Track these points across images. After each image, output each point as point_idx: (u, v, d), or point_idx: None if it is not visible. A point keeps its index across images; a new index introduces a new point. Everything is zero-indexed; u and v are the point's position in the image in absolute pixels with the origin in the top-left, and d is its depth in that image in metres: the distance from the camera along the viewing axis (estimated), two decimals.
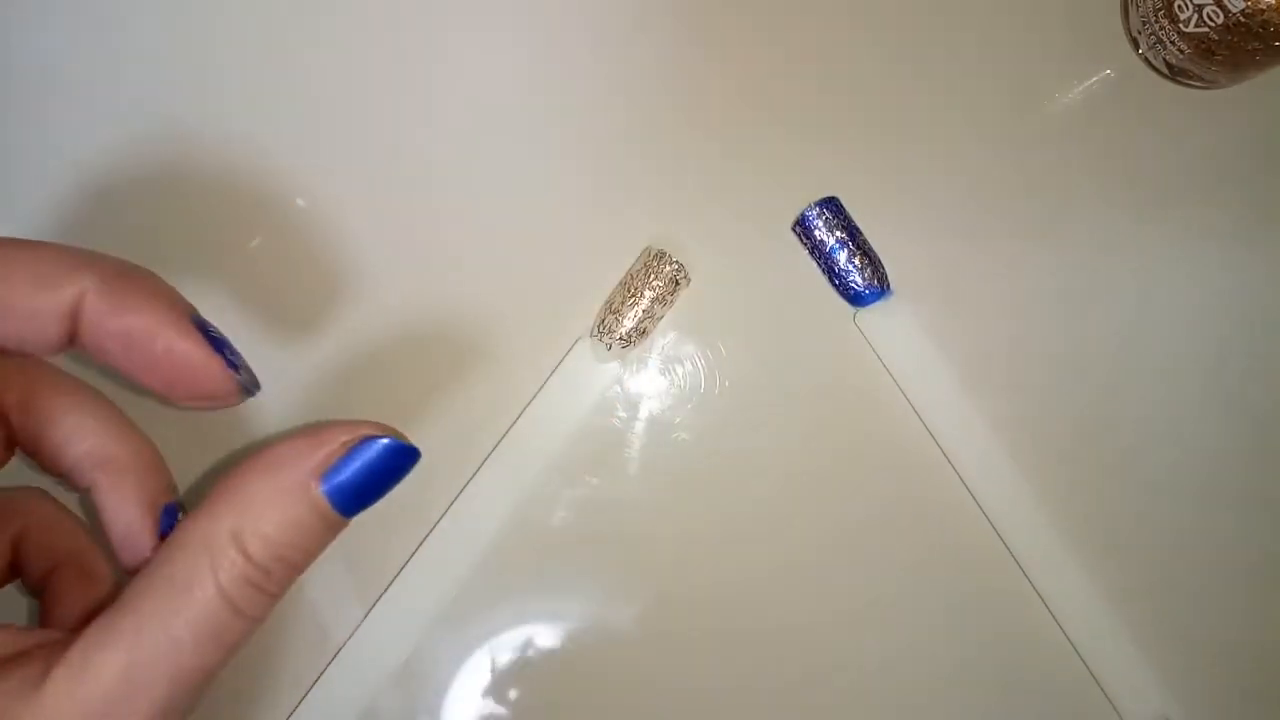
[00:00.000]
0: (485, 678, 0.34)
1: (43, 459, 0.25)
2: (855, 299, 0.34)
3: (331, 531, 0.21)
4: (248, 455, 0.21)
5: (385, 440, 0.21)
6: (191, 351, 0.22)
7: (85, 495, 0.26)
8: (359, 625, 0.34)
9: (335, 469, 0.21)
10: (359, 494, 0.21)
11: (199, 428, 0.34)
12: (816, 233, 0.34)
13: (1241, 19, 0.29)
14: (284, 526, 0.20)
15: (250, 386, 0.23)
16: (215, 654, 0.20)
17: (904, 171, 0.35)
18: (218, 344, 0.22)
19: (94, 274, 0.21)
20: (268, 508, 0.20)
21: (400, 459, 0.21)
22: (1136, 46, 0.35)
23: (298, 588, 0.34)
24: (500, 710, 0.34)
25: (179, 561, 0.20)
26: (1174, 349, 0.35)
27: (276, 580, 0.21)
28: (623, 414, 0.35)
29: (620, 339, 0.33)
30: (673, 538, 0.35)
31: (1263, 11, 0.29)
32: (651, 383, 0.35)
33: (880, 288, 0.34)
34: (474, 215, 0.35)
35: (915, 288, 0.34)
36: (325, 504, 0.21)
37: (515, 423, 0.34)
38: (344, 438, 0.21)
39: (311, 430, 0.21)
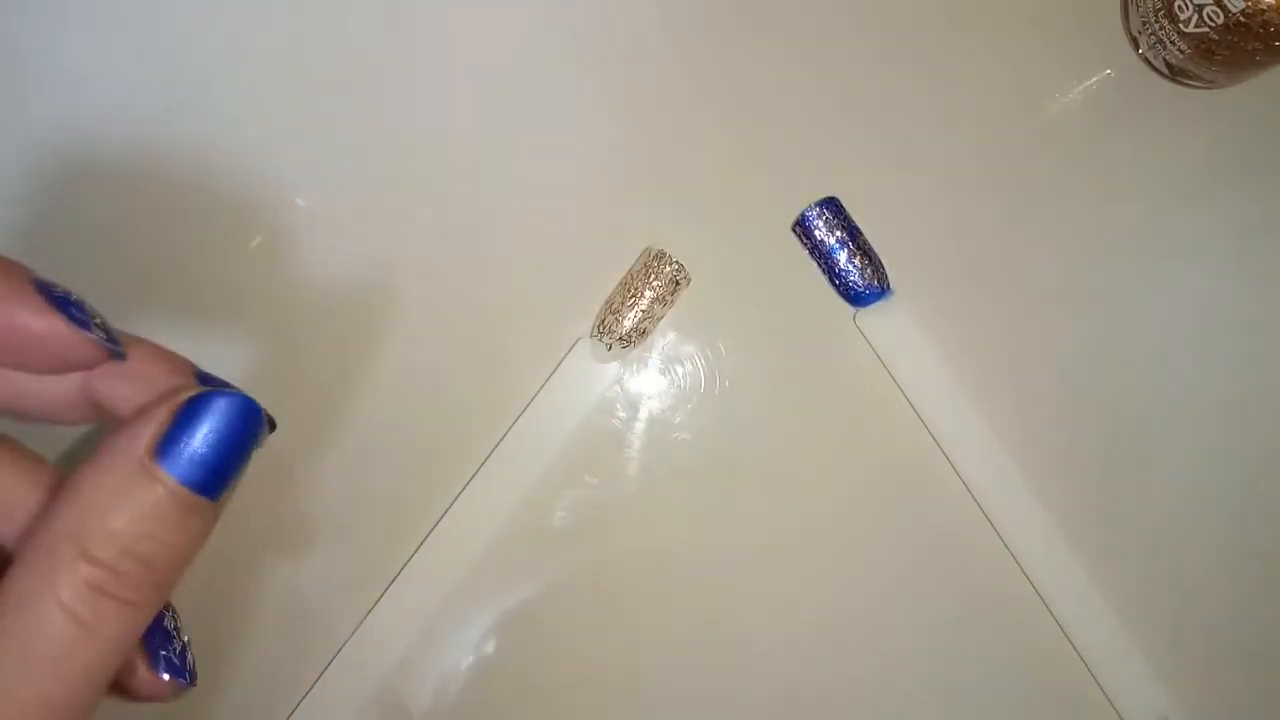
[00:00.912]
0: (485, 677, 0.34)
1: None
2: (855, 299, 0.34)
3: (194, 515, 0.18)
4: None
5: (219, 398, 0.18)
6: (32, 317, 0.18)
7: None
8: (360, 625, 0.34)
9: (170, 439, 0.18)
10: (206, 464, 0.18)
11: None
12: (816, 233, 0.34)
13: (1241, 19, 0.29)
14: (130, 516, 0.17)
15: (110, 345, 0.19)
16: (72, 680, 0.17)
17: (904, 171, 0.35)
18: (62, 303, 0.19)
19: None
20: (109, 498, 0.17)
21: (240, 416, 0.19)
22: (1136, 46, 0.35)
23: (298, 586, 0.34)
24: (499, 708, 0.34)
25: (19, 577, 0.17)
26: (1173, 348, 0.35)
27: (131, 583, 0.18)
28: (623, 414, 0.35)
29: (620, 339, 0.33)
30: (672, 538, 0.35)
31: (1263, 11, 0.29)
32: (651, 383, 0.35)
33: (880, 288, 0.34)
34: (474, 216, 0.35)
35: (915, 288, 0.34)
36: (173, 481, 0.18)
37: (515, 423, 0.34)
38: (168, 404, 0.18)
39: (142, 407, 0.19)
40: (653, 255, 0.33)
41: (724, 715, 0.35)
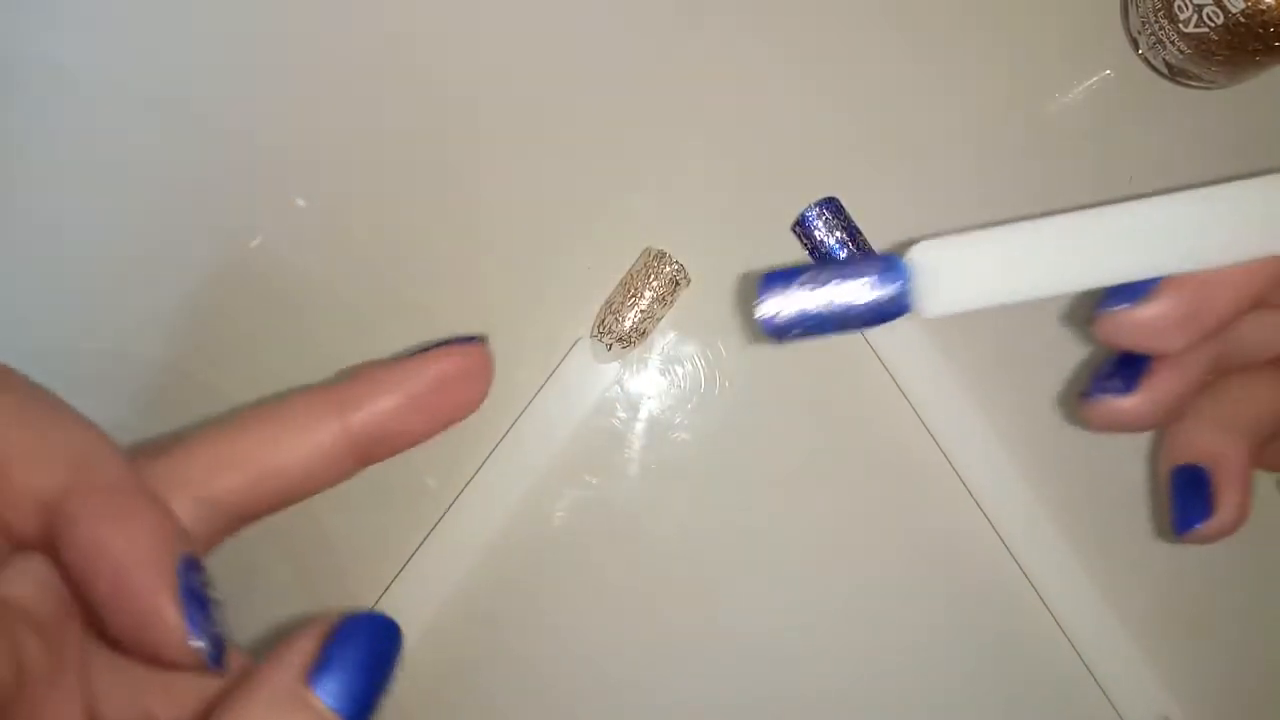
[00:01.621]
0: (485, 677, 0.34)
1: None
2: None
3: None
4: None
5: (364, 621, 0.19)
6: (155, 601, 0.18)
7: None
8: None
9: (320, 666, 0.18)
10: (356, 689, 0.18)
11: None
12: (816, 233, 0.34)
13: (1241, 19, 0.29)
14: None
15: (211, 662, 0.19)
16: None
17: (904, 172, 0.35)
18: (196, 601, 0.18)
19: (83, 476, 0.18)
20: None
21: (383, 638, 0.19)
22: (1136, 46, 0.35)
23: (297, 590, 0.34)
24: (499, 708, 0.34)
25: None
26: None
27: None
28: (623, 414, 0.35)
29: (620, 339, 0.33)
30: (672, 538, 0.35)
31: (1263, 11, 0.29)
32: (651, 383, 0.35)
33: None
34: (474, 215, 0.35)
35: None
36: (325, 708, 0.18)
37: (515, 423, 0.34)
38: (314, 632, 0.19)
39: (286, 639, 0.19)
40: (653, 255, 0.33)
41: (724, 714, 0.35)
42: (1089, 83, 0.35)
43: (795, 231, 0.34)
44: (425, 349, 0.21)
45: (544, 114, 0.35)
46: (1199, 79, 0.34)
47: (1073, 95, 0.35)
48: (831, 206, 0.34)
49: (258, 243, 0.35)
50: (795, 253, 0.35)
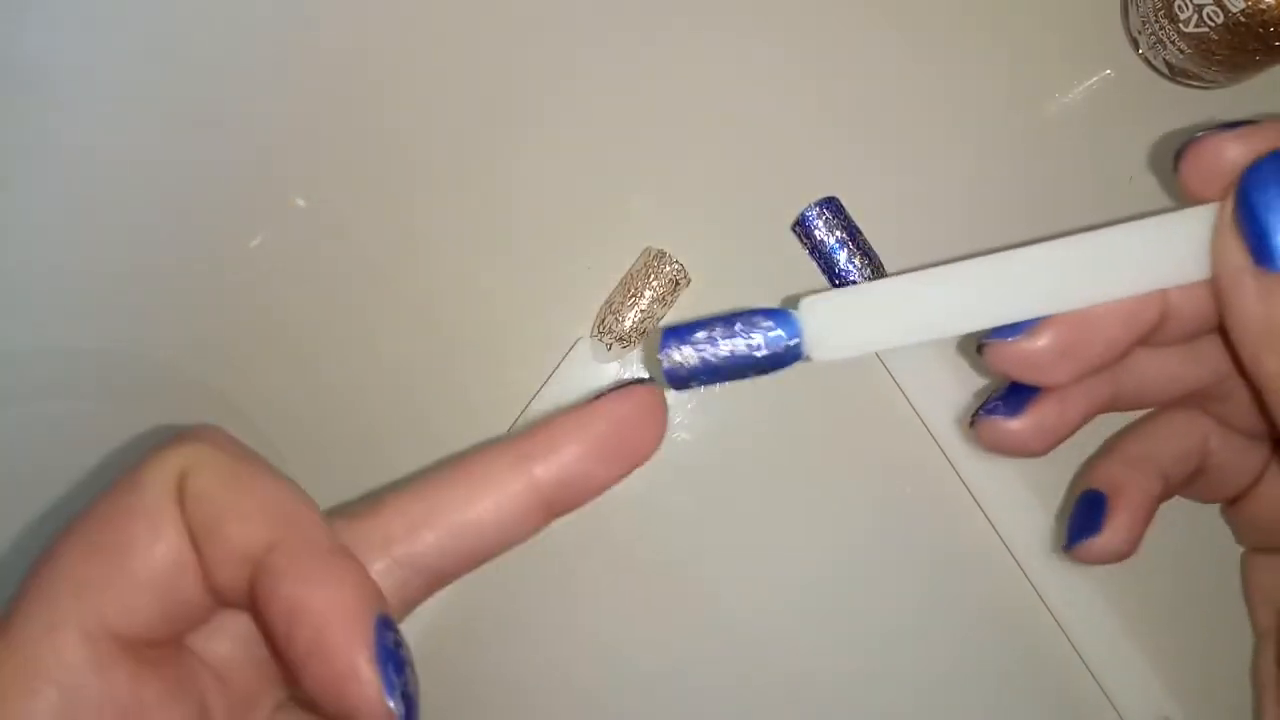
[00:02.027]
0: (484, 677, 0.34)
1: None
2: None
3: None
4: None
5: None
6: (353, 660, 0.18)
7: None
8: None
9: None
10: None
11: None
12: (816, 233, 0.34)
13: (1241, 19, 0.29)
14: None
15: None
16: None
17: (904, 171, 0.35)
18: (392, 661, 0.18)
19: (288, 534, 0.19)
20: None
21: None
22: (1136, 46, 0.35)
23: None
24: (499, 709, 0.34)
25: None
26: None
27: None
28: None
29: (620, 339, 0.33)
30: (672, 538, 0.35)
31: (1263, 11, 0.29)
32: None
33: None
34: (474, 215, 0.35)
35: None
36: None
37: (515, 423, 0.34)
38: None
39: None
40: (653, 255, 0.33)
41: (724, 713, 0.35)
42: (1089, 83, 0.35)
43: (795, 231, 0.34)
44: (599, 394, 0.21)
45: (544, 114, 0.35)
46: (1199, 79, 0.34)
47: (1073, 95, 0.35)
48: (831, 206, 0.34)
49: (258, 243, 0.35)
50: (795, 252, 0.35)
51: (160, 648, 0.19)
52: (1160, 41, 0.33)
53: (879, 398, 0.35)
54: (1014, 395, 0.24)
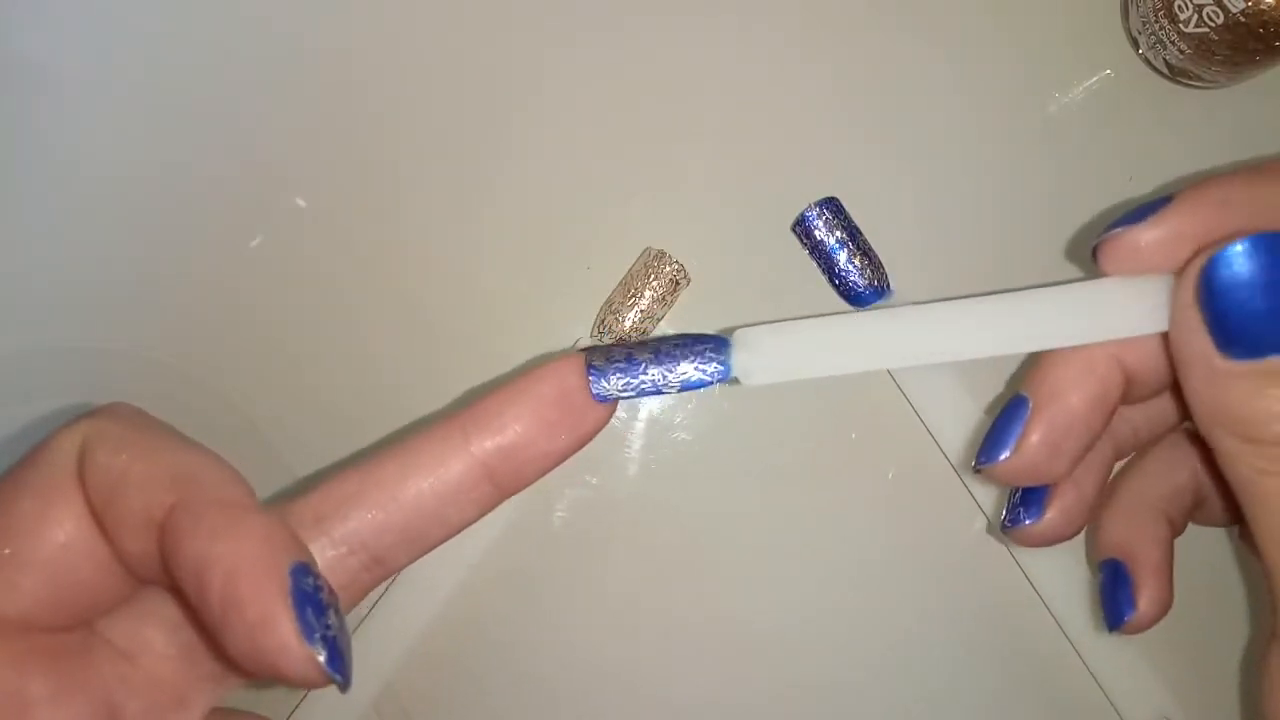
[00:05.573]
0: (484, 677, 0.34)
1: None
2: (855, 299, 0.34)
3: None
4: None
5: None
6: (267, 607, 0.17)
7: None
8: (358, 626, 0.34)
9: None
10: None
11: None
12: (816, 233, 0.34)
13: (1241, 19, 0.29)
14: None
15: (332, 669, 0.18)
16: None
17: (904, 171, 0.35)
18: (310, 604, 0.17)
19: (189, 493, 0.18)
20: None
21: None
22: (1136, 46, 0.35)
23: None
24: (499, 709, 0.34)
25: None
26: None
27: None
28: (623, 414, 0.35)
29: (620, 339, 0.33)
30: (672, 538, 0.35)
31: (1263, 11, 0.29)
32: None
33: (880, 288, 0.34)
34: (474, 215, 0.35)
35: (915, 288, 0.34)
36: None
37: None
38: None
39: None
40: (653, 255, 0.33)
41: (724, 713, 0.35)
42: (1089, 83, 0.35)
43: (795, 231, 0.34)
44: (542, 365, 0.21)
45: (545, 114, 0.35)
46: (1199, 79, 0.34)
47: (1073, 95, 0.35)
48: (831, 206, 0.34)
49: (258, 243, 0.35)
50: (795, 252, 0.35)
51: (58, 635, 0.18)
52: (1160, 41, 0.33)
53: (879, 396, 0.35)
54: (1029, 496, 0.25)
